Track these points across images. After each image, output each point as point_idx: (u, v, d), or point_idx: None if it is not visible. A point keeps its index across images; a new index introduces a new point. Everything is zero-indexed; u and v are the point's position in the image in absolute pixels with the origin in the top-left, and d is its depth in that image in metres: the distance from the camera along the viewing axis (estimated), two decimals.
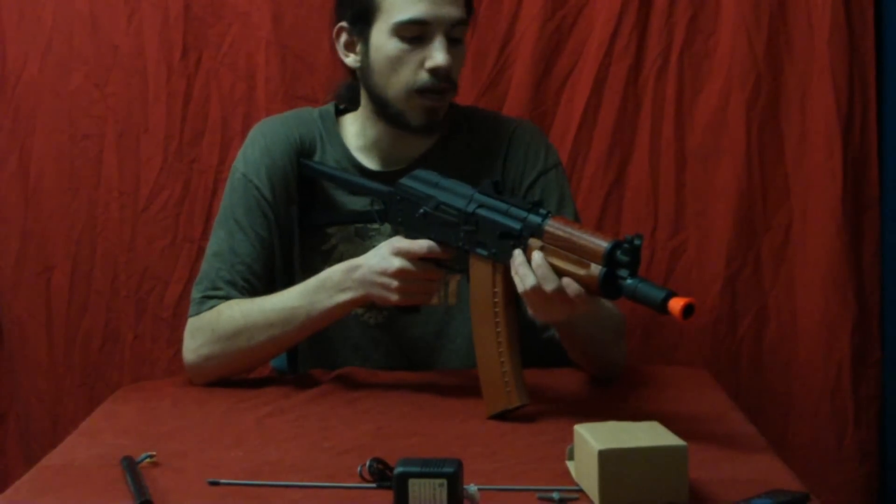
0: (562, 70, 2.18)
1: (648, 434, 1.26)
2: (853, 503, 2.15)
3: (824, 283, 2.13)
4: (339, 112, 1.89)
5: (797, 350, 2.17)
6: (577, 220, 1.84)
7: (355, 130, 1.85)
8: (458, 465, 1.22)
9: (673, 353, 2.13)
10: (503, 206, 1.55)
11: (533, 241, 1.50)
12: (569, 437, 1.32)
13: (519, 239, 1.52)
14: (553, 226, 1.49)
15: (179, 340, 2.20)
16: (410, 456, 1.24)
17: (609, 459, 1.21)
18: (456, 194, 1.62)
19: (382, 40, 1.74)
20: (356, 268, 1.67)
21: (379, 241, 1.71)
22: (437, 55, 1.71)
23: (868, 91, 2.14)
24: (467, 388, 1.66)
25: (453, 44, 1.74)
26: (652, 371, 1.81)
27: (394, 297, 1.64)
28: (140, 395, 1.79)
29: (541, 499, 1.26)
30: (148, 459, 1.39)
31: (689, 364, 2.05)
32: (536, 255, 1.48)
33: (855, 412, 2.14)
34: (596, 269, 1.43)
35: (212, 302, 1.78)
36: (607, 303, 1.70)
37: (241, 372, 1.80)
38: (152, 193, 2.21)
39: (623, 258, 1.41)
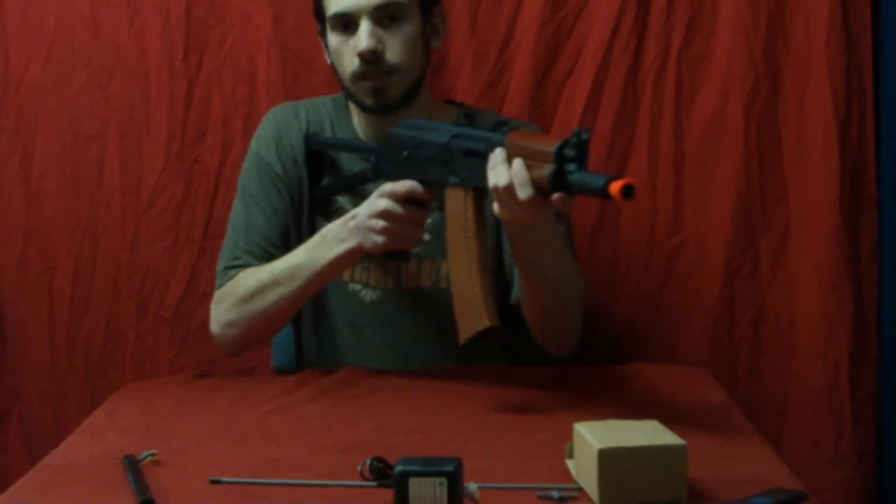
0: (561, 71, 2.18)
1: (648, 433, 1.27)
2: (851, 502, 2.15)
3: (822, 283, 2.14)
4: None
5: (795, 349, 2.17)
6: (569, 226, 1.86)
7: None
8: (459, 463, 1.23)
9: (672, 353, 2.13)
10: (474, 131, 1.62)
11: (496, 151, 1.55)
12: (568, 435, 1.33)
13: (483, 157, 1.56)
14: (511, 138, 1.54)
15: (181, 341, 2.21)
16: (410, 454, 1.25)
17: (609, 458, 1.22)
18: (436, 131, 1.68)
19: (330, 36, 1.84)
20: (351, 218, 1.73)
21: None
22: (359, 41, 1.79)
23: (865, 91, 2.14)
24: (467, 386, 1.67)
25: (388, 25, 1.81)
26: (652, 371, 1.81)
27: (379, 240, 1.68)
28: (141, 394, 1.80)
29: (540, 497, 1.26)
30: (149, 458, 1.40)
31: (689, 363, 2.06)
32: (517, 163, 1.50)
33: (853, 411, 2.14)
34: (547, 168, 1.46)
35: (232, 272, 1.85)
36: (572, 262, 1.76)
37: (260, 337, 1.87)
38: (154, 194, 2.22)
39: (570, 153, 1.44)
